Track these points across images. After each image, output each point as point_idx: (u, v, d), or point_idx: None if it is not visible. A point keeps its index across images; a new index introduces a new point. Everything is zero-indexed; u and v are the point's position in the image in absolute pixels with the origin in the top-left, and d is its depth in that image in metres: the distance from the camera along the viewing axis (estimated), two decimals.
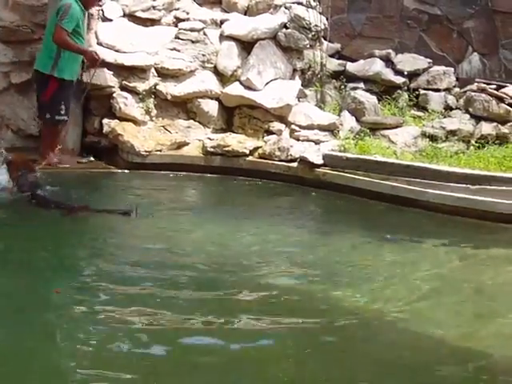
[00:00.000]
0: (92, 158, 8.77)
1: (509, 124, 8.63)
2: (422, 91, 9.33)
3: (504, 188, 7.24)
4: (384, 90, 9.35)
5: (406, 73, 9.47)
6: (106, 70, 8.84)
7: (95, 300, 4.70)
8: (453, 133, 8.58)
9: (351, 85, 9.38)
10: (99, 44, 9.14)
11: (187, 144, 8.77)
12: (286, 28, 9.40)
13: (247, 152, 8.52)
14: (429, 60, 9.61)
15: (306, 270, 5.51)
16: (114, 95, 8.91)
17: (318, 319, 4.56)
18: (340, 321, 4.56)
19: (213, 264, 5.55)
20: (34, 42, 9.21)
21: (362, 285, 5.27)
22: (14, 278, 4.94)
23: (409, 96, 9.28)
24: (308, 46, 9.41)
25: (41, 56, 8.32)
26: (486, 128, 8.59)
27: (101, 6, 9.03)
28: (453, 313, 4.89)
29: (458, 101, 9.24)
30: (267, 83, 9.08)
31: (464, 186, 7.35)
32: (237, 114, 9.10)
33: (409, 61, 9.61)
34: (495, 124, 8.63)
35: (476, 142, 8.41)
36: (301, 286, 5.23)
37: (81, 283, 5.01)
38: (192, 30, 9.52)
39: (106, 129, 8.78)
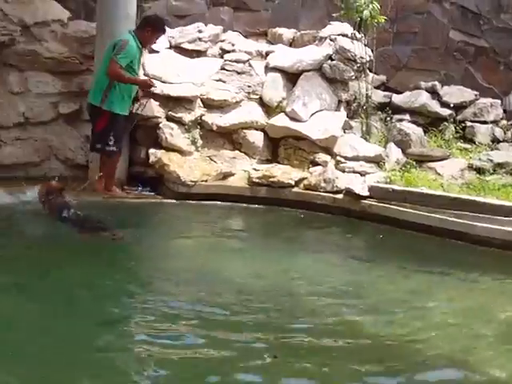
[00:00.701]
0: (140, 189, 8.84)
1: None
2: (468, 123, 9.29)
3: None
4: (430, 122, 9.33)
5: (452, 105, 9.44)
6: (152, 100, 8.93)
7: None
8: (500, 165, 8.50)
9: (397, 116, 9.37)
10: (146, 75, 9.22)
11: (233, 174, 8.78)
12: (332, 60, 9.42)
13: (293, 183, 8.50)
14: (475, 92, 9.57)
15: (356, 304, 5.45)
16: (161, 126, 8.97)
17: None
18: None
19: (258, 295, 5.54)
20: (82, 73, 9.34)
21: (418, 323, 5.15)
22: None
23: (455, 128, 9.24)
24: (353, 77, 9.41)
25: (93, 89, 8.41)
26: None
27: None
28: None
29: (505, 133, 9.19)
30: (312, 114, 9.09)
31: None
32: (282, 145, 9.11)
33: (455, 93, 9.58)
34: None
35: None
36: (352, 321, 5.13)
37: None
38: (238, 61, 9.59)
39: (152, 159, 8.83)
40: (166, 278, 5.92)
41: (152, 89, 8.52)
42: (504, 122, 9.34)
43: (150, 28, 8.40)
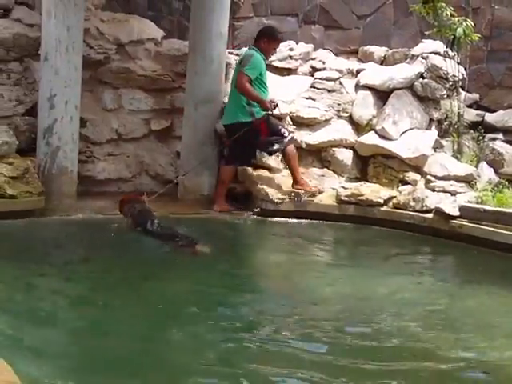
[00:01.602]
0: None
1: None
2: None
3: None
4: None
5: None
6: None
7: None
8: None
9: (490, 136, 9.17)
10: None
11: (321, 192, 8.75)
12: (423, 78, 9.32)
13: (381, 202, 8.43)
14: None
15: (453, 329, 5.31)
16: None
17: None
18: None
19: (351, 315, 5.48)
20: (174, 91, 9.52)
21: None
22: None
23: None
24: (445, 96, 9.28)
25: (233, 109, 8.64)
26: None
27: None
28: None
29: None
30: (403, 133, 9.01)
31: None
32: (371, 164, 9.05)
33: None
34: None
35: None
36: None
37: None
38: (328, 79, 9.59)
39: (241, 176, 8.90)
40: (265, 298, 5.90)
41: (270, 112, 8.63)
42: None
43: (265, 38, 8.67)
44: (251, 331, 4.98)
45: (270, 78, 9.56)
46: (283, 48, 9.93)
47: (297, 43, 10.12)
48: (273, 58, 9.78)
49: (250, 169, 8.91)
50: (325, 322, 5.22)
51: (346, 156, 9.10)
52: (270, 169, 8.96)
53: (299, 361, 4.47)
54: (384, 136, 8.96)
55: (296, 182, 8.67)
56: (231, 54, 9.82)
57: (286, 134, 8.62)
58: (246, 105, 8.50)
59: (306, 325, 5.16)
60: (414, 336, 5.07)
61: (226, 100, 9.12)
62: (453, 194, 8.33)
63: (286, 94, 9.38)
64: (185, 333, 4.82)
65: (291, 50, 9.94)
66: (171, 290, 5.77)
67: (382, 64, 9.97)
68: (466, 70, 9.45)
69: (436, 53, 9.45)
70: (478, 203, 8.05)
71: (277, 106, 8.66)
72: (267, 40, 8.67)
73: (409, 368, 4.51)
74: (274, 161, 9.01)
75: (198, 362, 4.36)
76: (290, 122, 9.22)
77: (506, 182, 8.42)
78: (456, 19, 9.04)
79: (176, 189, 8.89)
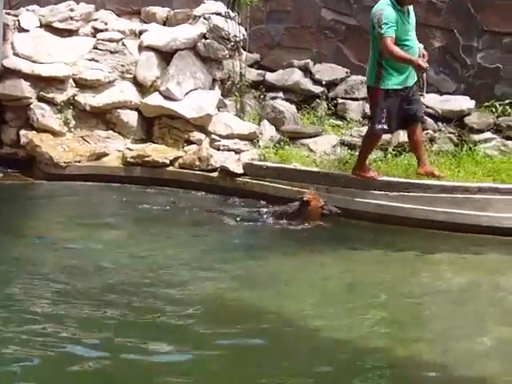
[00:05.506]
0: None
1: (424, 132, 8.71)
2: (340, 100, 9.38)
3: (421, 194, 7.38)
4: (303, 100, 9.39)
5: (324, 82, 9.50)
6: (22, 80, 8.77)
7: None
8: None
9: (270, 94, 9.40)
10: (15, 54, 9.12)
11: (107, 155, 8.72)
12: (206, 38, 9.41)
13: (167, 162, 8.52)
14: (346, 70, 9.68)
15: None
16: (32, 106, 8.86)
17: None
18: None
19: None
20: None
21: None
22: None
23: (327, 105, 9.35)
24: (227, 56, 9.43)
25: (368, 71, 7.86)
26: (403, 136, 8.72)
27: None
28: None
29: None
30: (187, 93, 9.08)
31: (383, 193, 7.46)
32: (157, 125, 9.07)
33: (327, 70, 9.68)
34: None
35: (393, 150, 8.51)
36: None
37: None
38: (111, 40, 9.49)
39: (23, 140, 8.72)
40: None
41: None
42: None
43: None
44: None
45: (50, 40, 9.36)
46: (63, 8, 9.69)
47: (77, 3, 9.86)
48: (52, 18, 9.54)
49: (31, 133, 8.71)
50: None
51: (130, 118, 9.06)
52: (53, 132, 8.79)
53: None
54: (168, 97, 9.00)
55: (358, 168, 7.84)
56: (8, 14, 9.47)
57: (383, 121, 7.57)
58: (376, 68, 7.57)
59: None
60: None
61: (4, 62, 8.85)
62: (237, 152, 8.56)
63: (67, 56, 9.20)
64: None
65: (72, 10, 9.67)
66: None
67: (164, 25, 9.92)
68: (246, 30, 9.62)
69: (218, 14, 9.55)
70: (260, 160, 8.32)
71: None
72: None
73: None
74: (57, 124, 8.83)
75: None
76: (74, 85, 9.05)
77: (287, 139, 8.70)
78: None
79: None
